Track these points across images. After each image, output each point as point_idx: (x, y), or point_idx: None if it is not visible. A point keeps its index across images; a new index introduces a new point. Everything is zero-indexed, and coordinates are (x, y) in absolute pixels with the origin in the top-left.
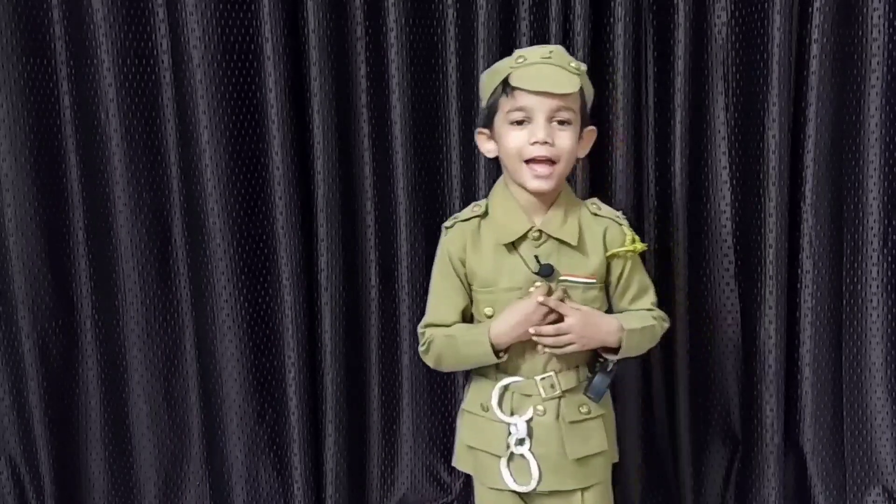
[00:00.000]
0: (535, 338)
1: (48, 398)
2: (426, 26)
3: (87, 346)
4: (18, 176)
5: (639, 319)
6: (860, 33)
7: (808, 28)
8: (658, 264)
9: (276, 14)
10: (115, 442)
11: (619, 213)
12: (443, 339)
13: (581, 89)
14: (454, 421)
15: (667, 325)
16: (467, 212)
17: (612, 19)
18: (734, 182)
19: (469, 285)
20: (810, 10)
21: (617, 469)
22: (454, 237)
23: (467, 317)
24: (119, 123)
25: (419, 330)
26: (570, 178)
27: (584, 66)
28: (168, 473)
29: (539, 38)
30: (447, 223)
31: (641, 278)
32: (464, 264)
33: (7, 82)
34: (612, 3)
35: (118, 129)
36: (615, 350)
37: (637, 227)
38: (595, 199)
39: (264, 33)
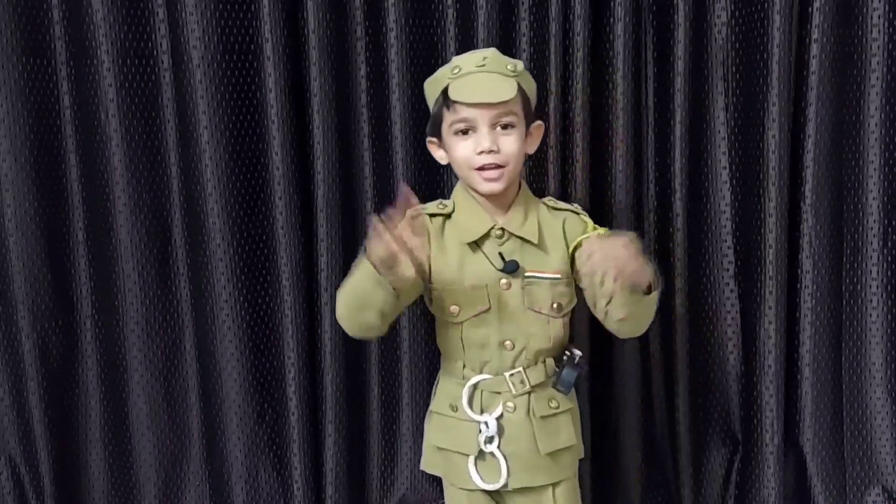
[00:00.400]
0: (597, 291)
1: (48, 398)
2: (426, 26)
3: (86, 346)
4: (18, 176)
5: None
6: (860, 33)
7: (808, 28)
8: (658, 264)
9: (276, 14)
10: (114, 442)
11: (576, 206)
12: (344, 285)
13: (521, 89)
14: None
15: None
16: (433, 207)
17: (611, 19)
18: (734, 182)
19: (427, 276)
20: (810, 10)
21: (617, 469)
22: (422, 224)
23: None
24: (119, 123)
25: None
26: (569, 179)
27: (521, 65)
28: (168, 473)
29: (539, 38)
30: (414, 212)
31: None
32: (427, 253)
33: (7, 82)
34: (612, 3)
35: (118, 130)
36: (647, 290)
37: (636, 227)
38: (550, 197)
39: (264, 33)
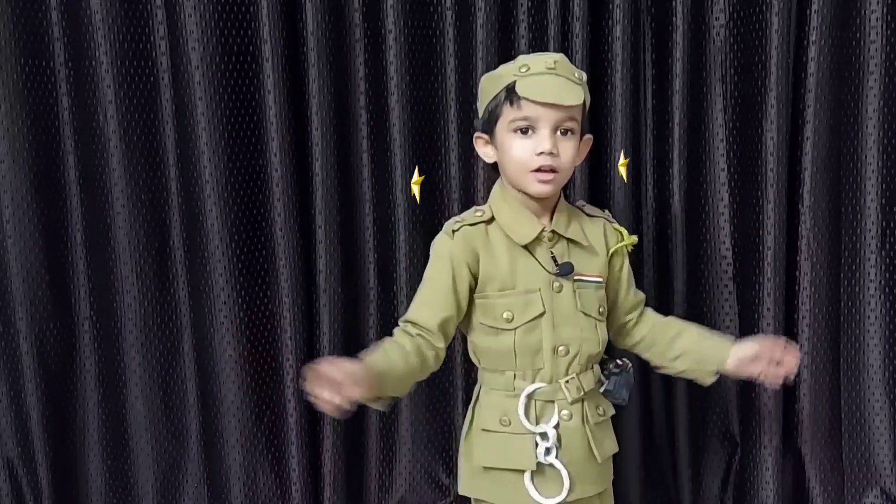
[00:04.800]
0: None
1: (46, 400)
2: (425, 28)
3: (85, 348)
4: (17, 177)
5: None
6: (858, 35)
7: (806, 30)
8: (656, 266)
9: (275, 16)
10: (112, 444)
11: (606, 212)
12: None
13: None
14: (452, 423)
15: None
16: (470, 216)
17: (610, 21)
18: (732, 184)
19: (471, 291)
20: (808, 12)
21: (615, 471)
22: (461, 241)
23: (448, 328)
24: (118, 125)
25: (399, 323)
26: (569, 181)
27: (585, 76)
28: (166, 475)
29: (538, 40)
30: (453, 226)
31: (630, 270)
32: (472, 271)
33: (6, 83)
34: (611, 6)
35: (116, 131)
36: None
37: (635, 229)
38: (581, 201)
39: (263, 35)
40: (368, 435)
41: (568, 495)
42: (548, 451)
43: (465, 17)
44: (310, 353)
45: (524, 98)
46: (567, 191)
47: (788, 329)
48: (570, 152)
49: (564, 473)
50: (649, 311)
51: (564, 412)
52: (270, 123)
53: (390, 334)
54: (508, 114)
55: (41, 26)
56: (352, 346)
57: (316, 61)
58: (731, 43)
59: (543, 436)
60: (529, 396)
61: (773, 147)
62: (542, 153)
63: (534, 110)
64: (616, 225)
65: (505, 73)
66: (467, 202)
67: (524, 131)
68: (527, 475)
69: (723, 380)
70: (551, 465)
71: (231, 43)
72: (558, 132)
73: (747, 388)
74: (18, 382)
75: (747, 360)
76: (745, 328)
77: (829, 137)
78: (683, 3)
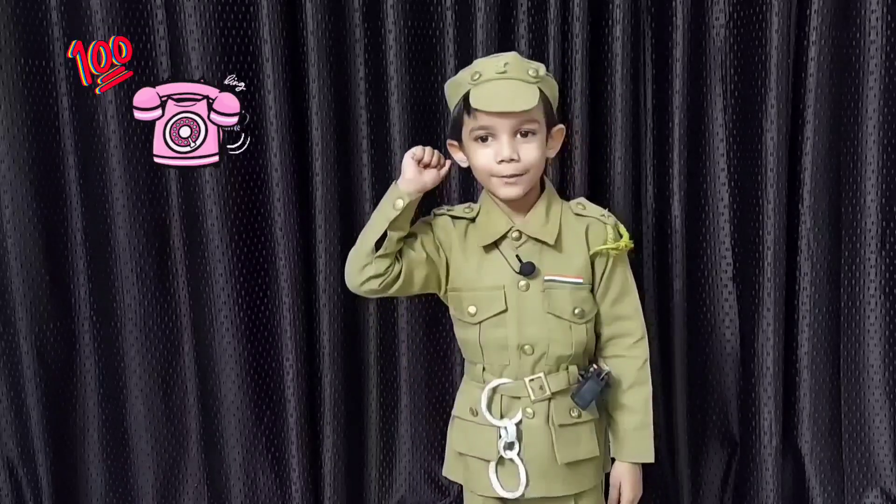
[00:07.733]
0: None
1: (46, 400)
2: (425, 28)
3: (85, 348)
4: (17, 177)
5: (642, 405)
6: (858, 35)
7: (806, 30)
8: (656, 267)
9: (275, 16)
10: (112, 444)
11: (605, 212)
12: None
13: (543, 95)
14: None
15: (647, 355)
16: (460, 210)
17: (610, 21)
18: (732, 184)
19: (445, 273)
20: (808, 12)
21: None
22: (444, 223)
23: (414, 272)
24: (118, 125)
25: None
26: (568, 180)
27: (542, 69)
28: (166, 476)
29: (537, 40)
30: (438, 210)
31: (624, 280)
32: (446, 250)
33: (6, 84)
34: (611, 6)
35: (116, 131)
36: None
37: (635, 229)
38: (581, 199)
39: (263, 35)
40: (368, 435)
41: (526, 491)
42: (509, 445)
43: (465, 17)
44: (310, 352)
45: (476, 109)
46: (567, 191)
47: (788, 329)
48: (533, 153)
49: (521, 469)
50: (635, 365)
51: (528, 410)
52: (270, 123)
53: (390, 334)
54: (468, 123)
55: (41, 26)
56: (351, 346)
57: (316, 61)
58: (731, 43)
59: (504, 430)
60: (494, 390)
61: (774, 147)
62: (502, 161)
63: (489, 119)
64: (609, 227)
65: (462, 81)
66: (466, 201)
67: (484, 139)
68: (491, 466)
69: (722, 379)
70: (511, 459)
71: (231, 43)
72: (518, 136)
73: (747, 388)
74: (19, 382)
75: (613, 483)
76: (745, 328)
77: (829, 137)
78: (683, 3)
